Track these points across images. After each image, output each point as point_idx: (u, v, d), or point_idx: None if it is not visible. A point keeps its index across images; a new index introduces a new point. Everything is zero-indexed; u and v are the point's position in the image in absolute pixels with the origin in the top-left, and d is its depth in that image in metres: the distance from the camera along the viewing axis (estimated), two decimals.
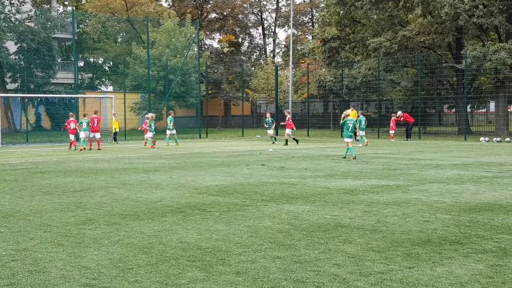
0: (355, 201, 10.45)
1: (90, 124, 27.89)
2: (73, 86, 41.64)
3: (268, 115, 31.65)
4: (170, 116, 31.56)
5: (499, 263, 6.21)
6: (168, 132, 30.99)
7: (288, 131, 30.21)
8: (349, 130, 20.52)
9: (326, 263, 6.22)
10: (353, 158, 19.87)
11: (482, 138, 34.67)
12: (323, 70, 53.86)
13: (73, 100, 40.22)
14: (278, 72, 53.60)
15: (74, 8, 54.10)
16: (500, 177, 14.40)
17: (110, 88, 59.43)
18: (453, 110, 52.02)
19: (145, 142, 29.34)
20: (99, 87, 57.66)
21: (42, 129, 44.58)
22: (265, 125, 31.47)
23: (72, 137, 28.11)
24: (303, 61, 68.51)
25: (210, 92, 57.84)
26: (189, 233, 7.75)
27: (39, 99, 45.19)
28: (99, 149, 27.03)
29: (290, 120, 30.69)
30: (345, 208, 9.69)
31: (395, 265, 6.13)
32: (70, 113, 30.64)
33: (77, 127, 28.21)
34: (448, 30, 40.29)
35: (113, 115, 34.14)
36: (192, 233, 7.78)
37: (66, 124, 28.76)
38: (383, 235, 7.60)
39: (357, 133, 30.14)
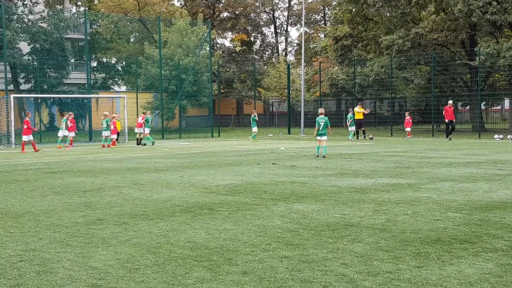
0: (366, 200, 10.39)
1: (110, 124, 29.12)
2: (86, 86, 41.79)
3: (148, 112, 32.31)
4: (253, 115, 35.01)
5: (509, 262, 6.13)
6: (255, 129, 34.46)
7: (146, 130, 31.79)
8: (320, 128, 20.68)
9: (333, 262, 6.17)
10: (316, 156, 20.53)
11: (496, 136, 34.41)
12: (336, 68, 53.76)
13: (86, 100, 40.40)
14: (290, 70, 53.50)
15: (86, 8, 54.42)
16: None
17: (123, 88, 59.66)
18: (467, 107, 51.67)
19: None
20: (112, 87, 57.90)
21: (55, 129, 44.79)
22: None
23: (25, 138, 26.78)
24: (315, 60, 68.41)
25: (222, 91, 57.86)
26: (197, 233, 7.73)
27: (52, 100, 45.41)
28: (23, 152, 25.85)
29: (143, 120, 31.99)
30: (355, 207, 9.63)
31: (403, 264, 6.07)
32: (27, 112, 30.09)
33: (29, 127, 27.04)
34: (462, 27, 40.03)
35: (115, 115, 34.33)
36: (200, 232, 7.76)
37: (27, 125, 27.19)
38: (393, 234, 7.54)
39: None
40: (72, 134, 30.57)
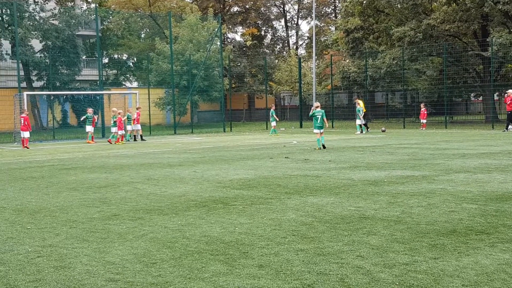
0: (380, 192, 10.37)
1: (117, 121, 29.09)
2: (98, 82, 41.95)
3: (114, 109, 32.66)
4: (272, 109, 36.21)
5: None
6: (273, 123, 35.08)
7: (138, 126, 31.96)
8: (318, 121, 20.90)
9: (349, 255, 6.18)
10: (319, 149, 20.74)
11: (510, 126, 34.13)
12: (347, 61, 53.57)
13: (98, 97, 40.55)
14: (302, 64, 53.37)
15: (97, 5, 54.49)
16: None
17: (135, 84, 59.83)
18: (480, 98, 51.35)
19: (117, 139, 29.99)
20: (123, 83, 58.08)
21: (68, 126, 45.06)
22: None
23: (24, 134, 27.48)
24: (326, 53, 68.17)
25: (233, 85, 57.87)
26: (212, 227, 7.76)
27: (65, 96, 45.62)
28: (27, 148, 26.65)
29: (138, 116, 32.27)
30: (369, 200, 9.62)
31: (419, 256, 6.07)
32: (23, 109, 30.13)
33: (27, 124, 27.60)
34: (474, 17, 39.73)
35: (120, 111, 34.35)
36: (215, 227, 7.79)
37: (23, 122, 27.79)
38: (408, 226, 7.52)
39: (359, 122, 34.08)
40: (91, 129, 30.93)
